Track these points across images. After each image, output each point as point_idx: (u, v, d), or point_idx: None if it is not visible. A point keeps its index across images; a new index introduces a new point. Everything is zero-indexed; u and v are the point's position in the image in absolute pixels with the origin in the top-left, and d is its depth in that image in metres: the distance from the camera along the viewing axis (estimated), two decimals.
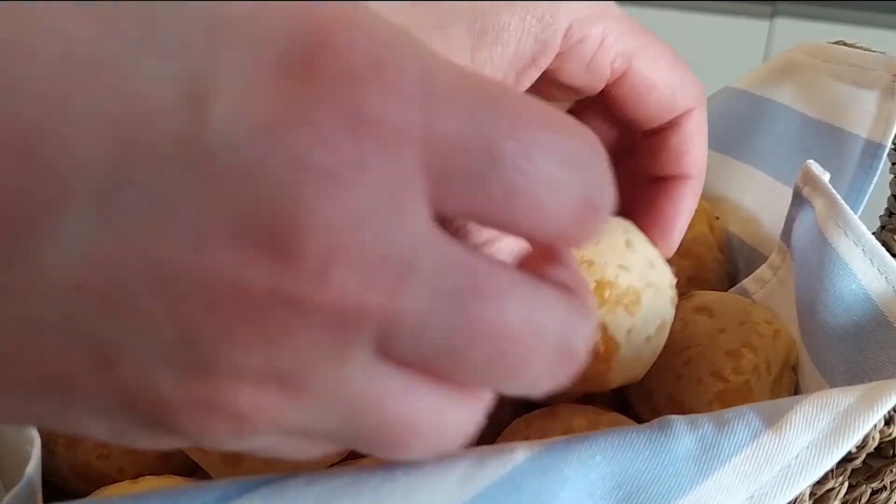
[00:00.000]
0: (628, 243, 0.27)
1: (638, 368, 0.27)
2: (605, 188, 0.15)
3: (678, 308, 0.37)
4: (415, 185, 0.13)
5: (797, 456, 0.24)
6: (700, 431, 0.24)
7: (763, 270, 0.38)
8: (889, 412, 0.25)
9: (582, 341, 0.16)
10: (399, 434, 0.15)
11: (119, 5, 0.11)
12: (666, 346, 0.36)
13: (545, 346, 0.15)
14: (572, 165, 0.14)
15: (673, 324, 0.36)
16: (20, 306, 0.11)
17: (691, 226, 0.41)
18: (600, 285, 0.27)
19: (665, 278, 0.29)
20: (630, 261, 0.27)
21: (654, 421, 0.25)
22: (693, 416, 0.25)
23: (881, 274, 0.31)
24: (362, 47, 0.12)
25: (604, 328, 0.27)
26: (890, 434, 0.25)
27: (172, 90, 0.11)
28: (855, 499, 0.27)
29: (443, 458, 0.22)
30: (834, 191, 0.32)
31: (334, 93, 0.12)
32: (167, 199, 0.11)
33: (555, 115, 0.15)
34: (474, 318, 0.14)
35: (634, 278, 0.27)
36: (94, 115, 0.11)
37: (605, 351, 0.27)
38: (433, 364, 0.14)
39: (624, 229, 0.28)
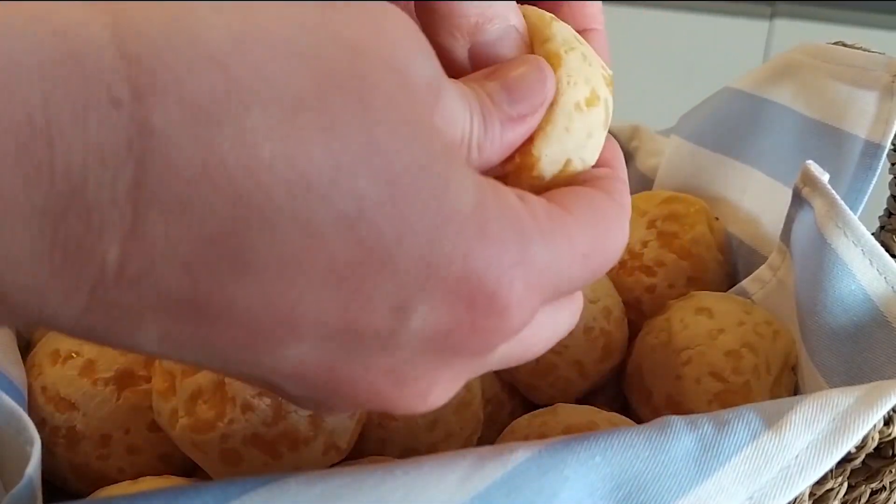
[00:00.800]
0: (552, 19, 0.24)
1: (570, 144, 0.23)
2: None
3: (678, 308, 0.37)
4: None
5: (797, 456, 0.24)
6: (700, 432, 0.24)
7: (763, 271, 0.38)
8: (888, 412, 0.25)
9: None
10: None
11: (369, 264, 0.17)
12: (666, 346, 0.36)
13: None
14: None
15: (673, 324, 0.36)
16: (248, 370, 0.18)
17: (691, 226, 0.41)
18: None
19: (596, 58, 0.25)
20: (551, 30, 0.24)
21: (654, 421, 0.25)
22: (693, 416, 0.25)
23: (880, 274, 0.31)
24: (517, 303, 0.19)
25: None
26: (889, 434, 0.25)
27: (388, 310, 0.17)
28: (854, 499, 0.27)
29: (443, 458, 0.22)
30: (833, 191, 0.32)
31: (486, 328, 0.19)
32: (350, 359, 0.18)
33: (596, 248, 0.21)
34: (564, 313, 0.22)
35: (552, 46, 0.23)
36: (329, 312, 0.17)
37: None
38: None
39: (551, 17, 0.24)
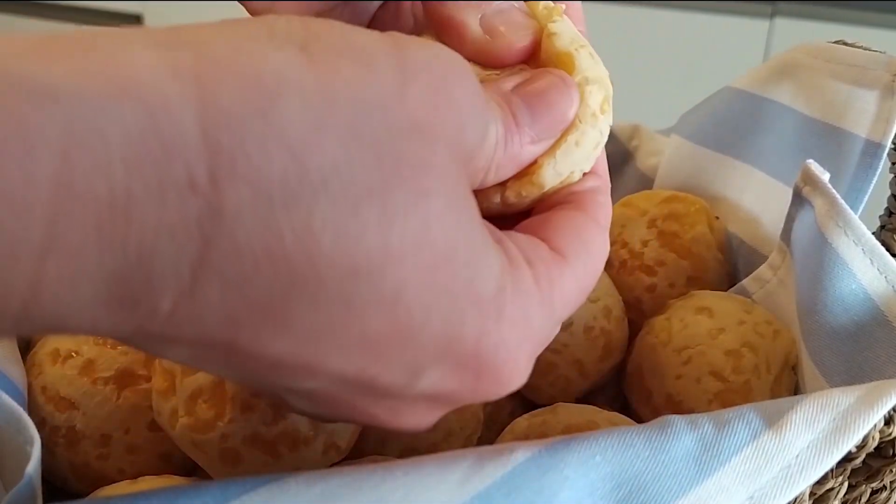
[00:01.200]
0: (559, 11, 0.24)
1: (578, 157, 0.23)
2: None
3: (678, 308, 0.37)
4: None
5: (797, 456, 0.24)
6: (700, 431, 0.24)
7: (763, 270, 0.38)
8: (889, 412, 0.25)
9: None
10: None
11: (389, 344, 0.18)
12: (666, 345, 0.36)
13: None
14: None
15: (673, 323, 0.36)
16: (260, 387, 0.21)
17: (691, 225, 0.41)
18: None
19: (597, 56, 0.25)
20: (557, 25, 0.24)
21: (654, 421, 0.25)
22: (693, 416, 0.25)
23: (881, 274, 0.31)
24: (519, 375, 0.21)
25: None
26: (890, 434, 0.25)
27: (403, 372, 0.19)
28: (855, 499, 0.27)
29: (443, 458, 0.22)
30: (834, 191, 0.32)
31: (487, 392, 0.20)
32: (357, 397, 0.20)
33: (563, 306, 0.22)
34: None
35: (560, 42, 0.23)
36: (349, 367, 0.18)
37: None
38: None
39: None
